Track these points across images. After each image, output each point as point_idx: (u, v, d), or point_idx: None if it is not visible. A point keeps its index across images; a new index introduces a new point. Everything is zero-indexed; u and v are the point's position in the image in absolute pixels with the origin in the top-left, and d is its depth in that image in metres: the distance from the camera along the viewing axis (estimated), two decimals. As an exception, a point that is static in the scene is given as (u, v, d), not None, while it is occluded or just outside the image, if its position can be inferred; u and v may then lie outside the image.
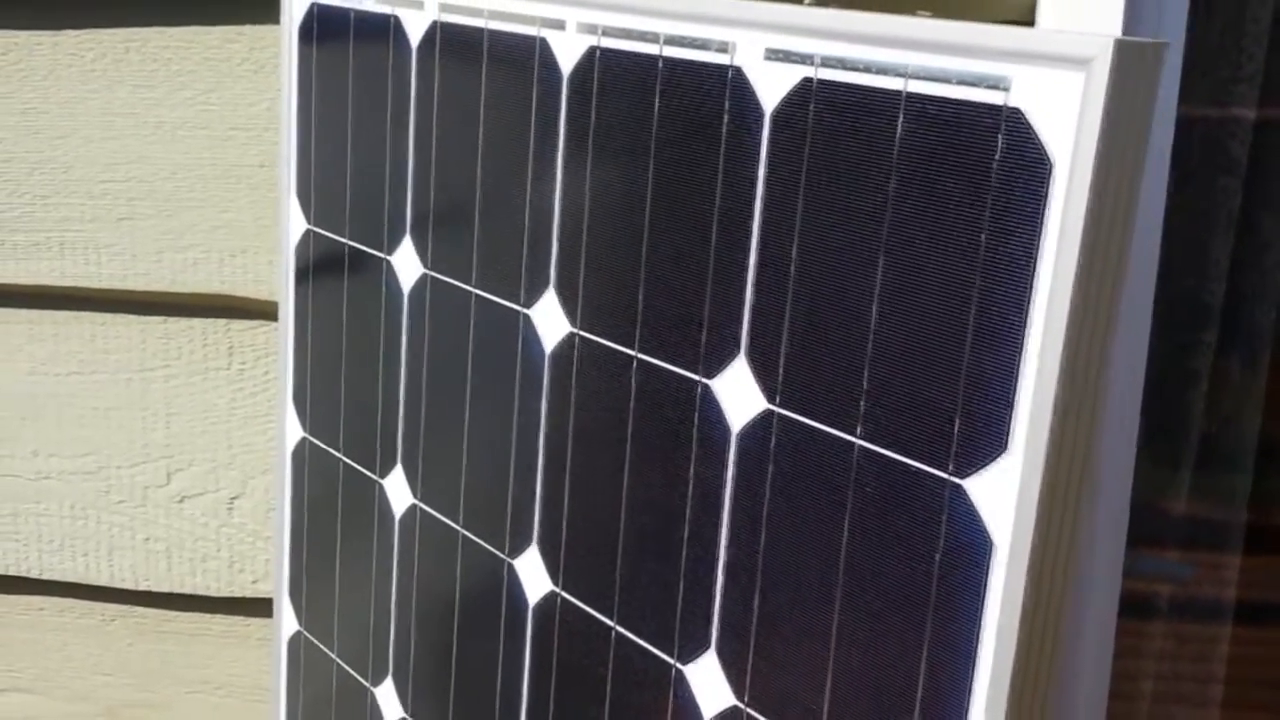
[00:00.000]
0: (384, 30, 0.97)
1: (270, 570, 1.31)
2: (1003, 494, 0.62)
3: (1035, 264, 0.60)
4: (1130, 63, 0.58)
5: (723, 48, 0.73)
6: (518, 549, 0.92)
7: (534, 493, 0.90)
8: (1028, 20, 1.03)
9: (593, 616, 0.87)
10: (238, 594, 1.33)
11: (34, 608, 1.40)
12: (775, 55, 0.71)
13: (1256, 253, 1.30)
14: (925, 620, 0.66)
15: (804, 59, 0.69)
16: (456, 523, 0.98)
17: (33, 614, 1.40)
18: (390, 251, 1.00)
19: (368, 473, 1.06)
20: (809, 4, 0.71)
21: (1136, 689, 1.46)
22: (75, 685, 1.41)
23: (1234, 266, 1.30)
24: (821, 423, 0.71)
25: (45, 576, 1.37)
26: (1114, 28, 0.97)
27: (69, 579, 1.37)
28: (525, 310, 0.89)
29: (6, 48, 1.24)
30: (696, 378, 0.78)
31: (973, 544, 0.64)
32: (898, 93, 0.65)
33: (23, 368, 1.32)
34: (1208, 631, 1.48)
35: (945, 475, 0.65)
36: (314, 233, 1.08)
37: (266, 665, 1.35)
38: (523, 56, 0.86)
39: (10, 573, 1.38)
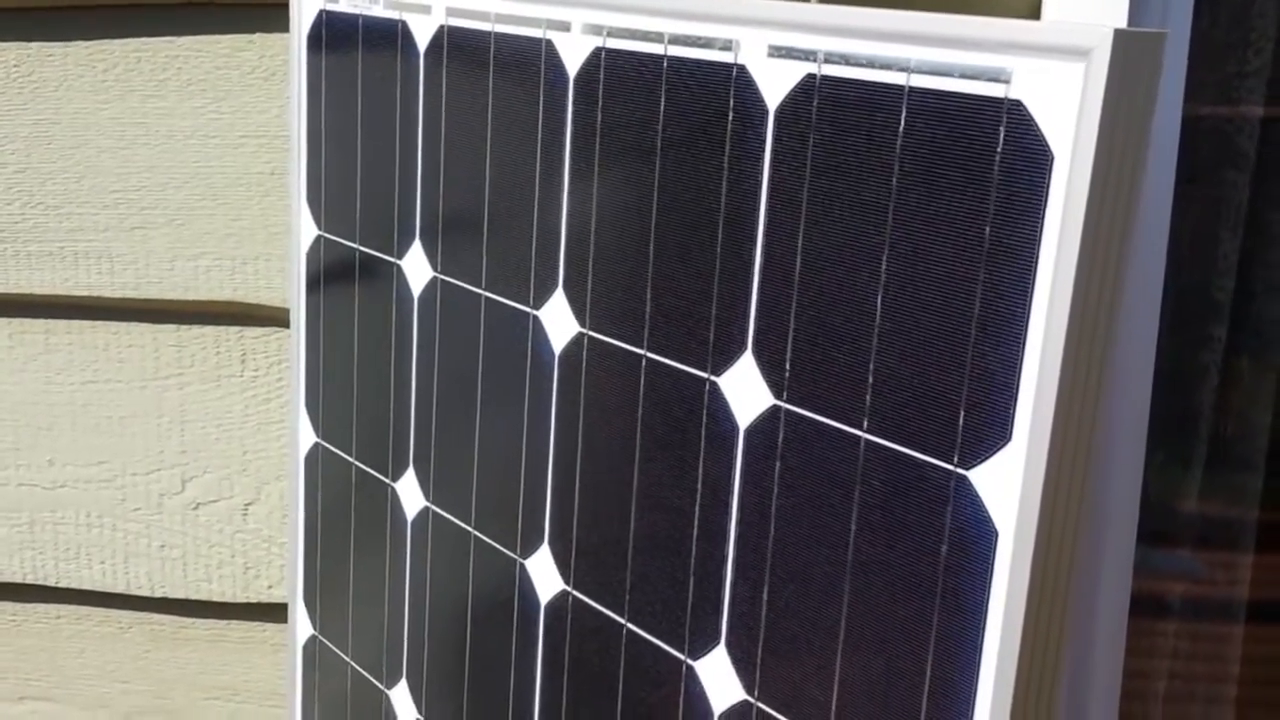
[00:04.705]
0: (392, 36, 0.98)
1: (285, 575, 1.32)
2: (1006, 483, 0.63)
3: (1037, 255, 0.61)
4: (1130, 53, 0.58)
5: (726, 46, 0.74)
6: (529, 549, 0.93)
7: (545, 493, 0.91)
8: (1033, 18, 1.03)
9: (604, 614, 0.87)
10: (253, 600, 1.34)
11: (51, 616, 1.40)
12: (778, 52, 0.71)
13: (1265, 248, 1.30)
14: (932, 609, 0.67)
15: (807, 55, 0.70)
16: (468, 524, 0.98)
17: (49, 622, 1.41)
18: (400, 256, 1.01)
19: (380, 476, 1.07)
20: (815, 0, 0.71)
21: (1150, 688, 1.46)
22: (92, 693, 1.41)
23: (1243, 262, 1.30)
24: (828, 417, 0.71)
25: (62, 585, 1.38)
26: (1118, 24, 0.97)
27: (85, 587, 1.38)
28: (534, 311, 0.90)
29: (18, 60, 1.25)
30: (704, 375, 0.78)
31: (978, 533, 0.64)
32: (900, 87, 0.65)
33: (38, 377, 1.33)
34: (1221, 630, 1.48)
35: (950, 466, 0.65)
36: (325, 238, 1.09)
37: (282, 670, 1.36)
38: (529, 59, 0.87)
39: (27, 581, 1.39)
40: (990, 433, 0.63)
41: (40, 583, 1.39)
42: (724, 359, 0.77)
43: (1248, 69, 1.24)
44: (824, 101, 0.69)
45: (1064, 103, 0.59)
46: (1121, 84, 0.58)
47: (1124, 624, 1.10)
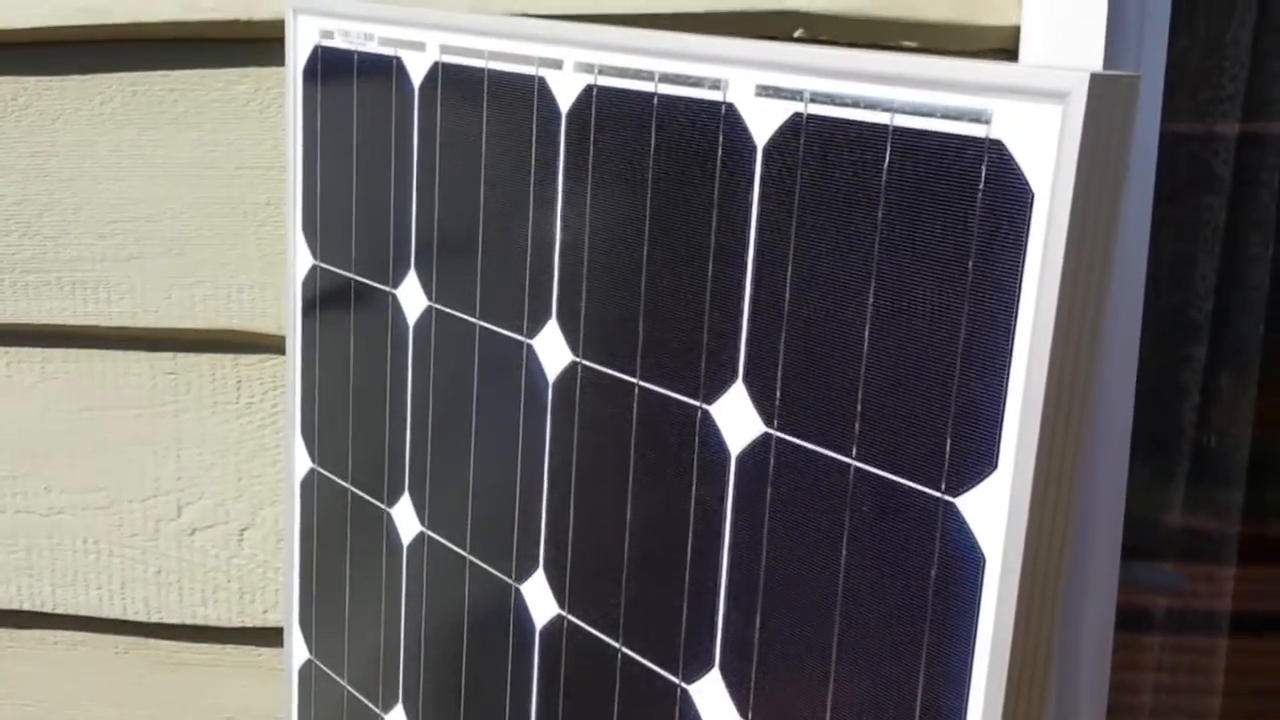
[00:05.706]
0: (387, 71, 1.00)
1: (280, 600, 1.33)
2: (993, 510, 0.65)
3: (1019, 288, 0.63)
4: (1106, 95, 0.60)
5: (715, 85, 0.76)
6: (524, 574, 0.94)
7: (539, 518, 0.92)
8: (1012, 48, 1.05)
9: (598, 638, 0.89)
10: (249, 624, 1.35)
11: (47, 641, 1.41)
12: (766, 91, 0.73)
13: (1242, 268, 1.32)
14: (921, 633, 0.69)
15: (794, 95, 0.72)
16: (464, 549, 1.00)
17: (46, 648, 1.42)
18: (395, 285, 1.03)
19: (376, 502, 1.08)
20: (797, 36, 0.73)
21: (1136, 702, 1.48)
22: (88, 718, 1.42)
23: (1220, 282, 1.32)
24: (817, 445, 0.73)
25: (58, 610, 1.39)
26: (1096, 55, 1.00)
27: (82, 612, 1.39)
28: (528, 340, 0.91)
29: (15, 93, 1.27)
30: (696, 403, 0.80)
31: (965, 558, 0.66)
32: (884, 126, 0.67)
33: (35, 405, 1.34)
34: (1205, 643, 1.50)
35: (938, 493, 0.67)
36: (320, 268, 1.11)
37: (278, 694, 1.37)
38: (522, 95, 0.89)
39: (24, 607, 1.40)
40: (977, 460, 0.65)
41: (37, 609, 1.40)
42: (715, 387, 0.79)
43: (1223, 92, 1.27)
44: (811, 139, 0.71)
45: (1043, 143, 0.61)
46: (1098, 125, 0.60)
47: (1110, 640, 1.12)
